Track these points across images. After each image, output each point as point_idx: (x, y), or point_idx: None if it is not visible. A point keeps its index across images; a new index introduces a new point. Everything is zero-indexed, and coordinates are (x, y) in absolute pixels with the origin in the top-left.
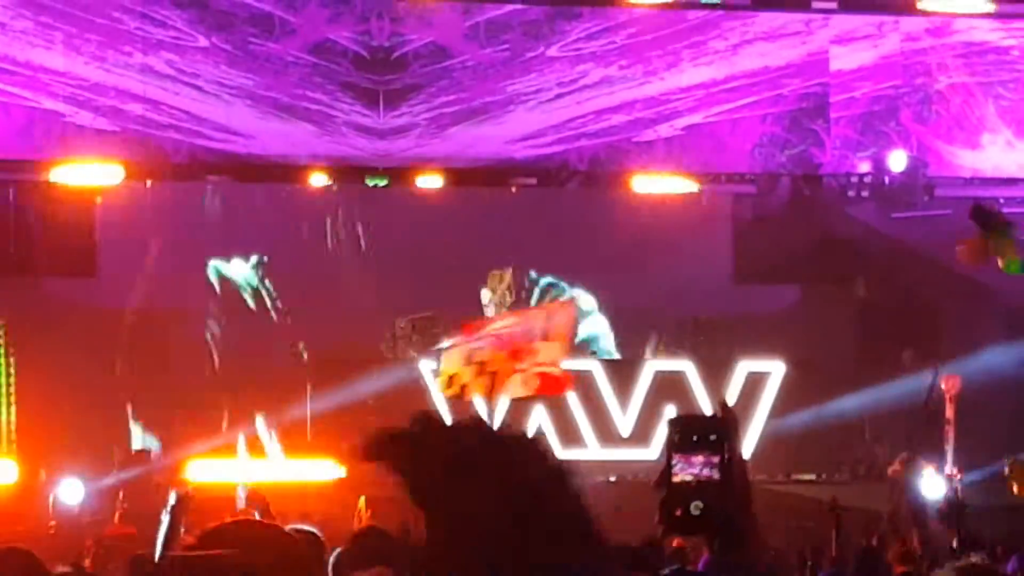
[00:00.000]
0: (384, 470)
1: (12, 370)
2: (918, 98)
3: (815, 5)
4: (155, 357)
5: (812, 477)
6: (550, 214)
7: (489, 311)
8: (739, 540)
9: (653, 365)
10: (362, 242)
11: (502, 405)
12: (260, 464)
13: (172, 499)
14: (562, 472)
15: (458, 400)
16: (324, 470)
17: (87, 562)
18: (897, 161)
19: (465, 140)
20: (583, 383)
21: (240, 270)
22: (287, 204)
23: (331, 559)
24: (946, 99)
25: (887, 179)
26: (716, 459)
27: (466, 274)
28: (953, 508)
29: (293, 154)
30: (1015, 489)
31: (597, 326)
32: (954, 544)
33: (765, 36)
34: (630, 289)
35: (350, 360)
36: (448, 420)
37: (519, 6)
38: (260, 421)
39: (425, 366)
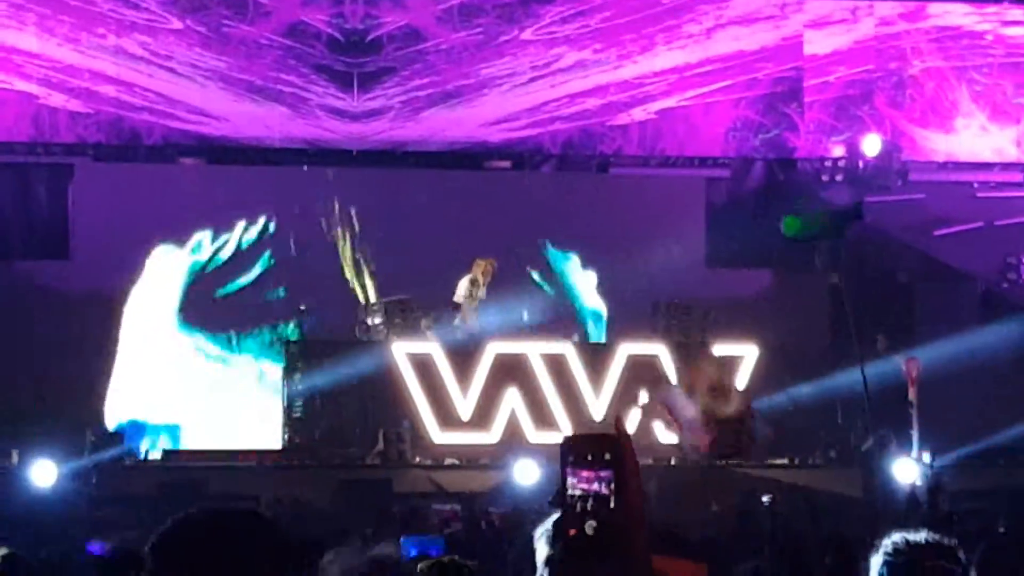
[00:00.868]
0: None
1: None
2: (892, 82)
3: None
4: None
5: (784, 461)
6: (523, 197)
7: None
8: (632, 559)
9: (627, 349)
10: (340, 224)
11: None
12: None
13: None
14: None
15: None
16: None
17: None
18: (871, 145)
19: (439, 123)
20: (557, 365)
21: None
22: (259, 184)
23: None
24: (920, 84)
25: (861, 163)
26: (610, 475)
27: (444, 258)
28: (933, 493)
29: (267, 136)
30: None
31: (599, 304)
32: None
33: (739, 20)
34: (604, 272)
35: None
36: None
37: None
38: None
39: (398, 349)
